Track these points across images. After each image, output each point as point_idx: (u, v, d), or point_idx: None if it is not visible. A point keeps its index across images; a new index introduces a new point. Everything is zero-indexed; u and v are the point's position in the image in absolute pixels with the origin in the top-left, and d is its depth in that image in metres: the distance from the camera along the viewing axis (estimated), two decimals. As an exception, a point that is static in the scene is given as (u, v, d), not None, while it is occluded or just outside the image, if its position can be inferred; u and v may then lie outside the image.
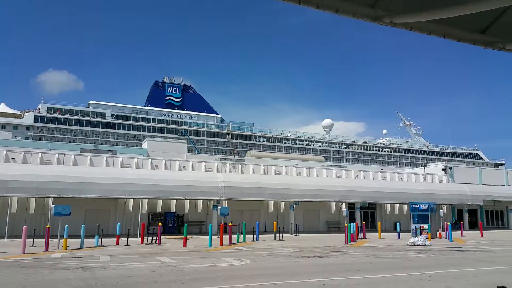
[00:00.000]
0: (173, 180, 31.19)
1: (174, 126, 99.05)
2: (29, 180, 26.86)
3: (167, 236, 28.43)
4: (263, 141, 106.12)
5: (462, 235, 33.57)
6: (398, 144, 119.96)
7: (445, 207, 42.63)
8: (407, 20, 3.28)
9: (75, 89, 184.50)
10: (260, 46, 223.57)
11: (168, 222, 32.04)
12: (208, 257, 16.93)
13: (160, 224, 25.76)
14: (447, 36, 3.54)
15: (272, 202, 37.13)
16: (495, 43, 3.70)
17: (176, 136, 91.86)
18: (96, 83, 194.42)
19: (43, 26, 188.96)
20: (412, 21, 3.32)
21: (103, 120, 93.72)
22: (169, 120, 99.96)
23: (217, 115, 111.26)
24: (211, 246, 21.58)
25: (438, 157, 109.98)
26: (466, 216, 44.41)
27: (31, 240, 20.88)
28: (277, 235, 28.09)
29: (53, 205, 21.34)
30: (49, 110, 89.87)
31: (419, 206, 31.01)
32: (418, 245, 24.46)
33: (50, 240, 19.65)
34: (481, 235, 33.43)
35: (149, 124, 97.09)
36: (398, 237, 30.05)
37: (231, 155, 52.68)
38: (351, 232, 26.41)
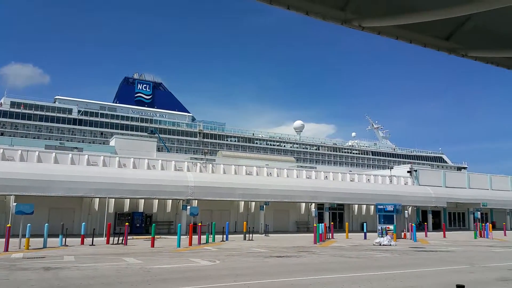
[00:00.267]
0: (141, 179, 30.62)
1: (144, 124, 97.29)
2: (-12, 177, 25.72)
3: (134, 236, 27.89)
4: (235, 141, 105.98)
5: (426, 235, 34.66)
6: (366, 146, 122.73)
7: (410, 208, 43.95)
8: (375, 24, 3.35)
9: (41, 84, 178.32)
10: (231, 45, 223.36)
11: (135, 222, 31.44)
12: (176, 258, 16.73)
13: (127, 224, 25.21)
14: (414, 42, 3.64)
15: (243, 202, 37.13)
16: (458, 50, 3.85)
17: (145, 134, 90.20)
18: (63, 78, 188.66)
19: (7, 18, 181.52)
20: (380, 25, 3.40)
21: (69, 116, 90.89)
22: (138, 118, 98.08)
23: (188, 114, 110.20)
24: (179, 247, 21.33)
25: (404, 159, 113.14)
26: (430, 217, 45.90)
27: (-10, 240, 20.01)
28: (247, 235, 28.10)
29: (15, 203, 20.56)
30: (13, 104, 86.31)
31: (385, 207, 31.79)
32: (383, 245, 25.06)
33: (11, 239, 18.87)
34: (444, 236, 34.63)
35: (118, 121, 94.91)
36: (365, 237, 30.70)
37: (202, 154, 52.38)
38: (320, 232, 26.79)
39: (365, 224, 33.21)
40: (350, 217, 43.17)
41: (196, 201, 32.60)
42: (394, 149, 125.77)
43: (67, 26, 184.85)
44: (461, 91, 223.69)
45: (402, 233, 32.47)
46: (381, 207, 32.08)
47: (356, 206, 43.66)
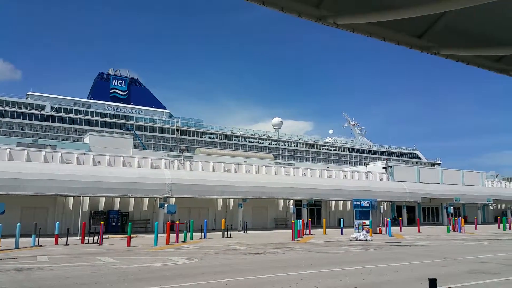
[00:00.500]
0: (117, 176, 30.09)
1: (119, 121, 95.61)
2: (-44, 176, 24.78)
3: (110, 236, 27.44)
4: (213, 138, 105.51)
5: (401, 230, 35.41)
6: (343, 143, 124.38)
7: (385, 204, 44.84)
8: (349, 22, 3.38)
9: (12, 79, 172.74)
10: (209, 42, 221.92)
11: (111, 221, 30.91)
12: (153, 257, 16.54)
13: (102, 222, 24.79)
14: (387, 39, 3.69)
15: (221, 199, 37.03)
16: (431, 47, 3.91)
17: (121, 131, 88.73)
18: (36, 74, 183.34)
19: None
20: (354, 23, 3.42)
21: (42, 112, 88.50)
22: (113, 114, 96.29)
23: (166, 110, 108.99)
24: (156, 245, 21.10)
25: (380, 156, 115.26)
26: (404, 212, 46.92)
27: (-42, 241, 19.29)
28: (226, 232, 28.04)
29: (-16, 203, 19.84)
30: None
31: (361, 203, 32.32)
32: (360, 240, 25.47)
33: (-20, 240, 18.27)
34: (418, 231, 35.45)
35: (92, 118, 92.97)
36: (342, 233, 31.13)
37: (179, 151, 51.91)
38: (298, 228, 27.01)
39: (342, 219, 33.67)
40: (328, 213, 43.69)
41: (174, 199, 32.33)
42: (370, 146, 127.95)
43: (40, 21, 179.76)
44: (435, 89, 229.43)
45: (378, 228, 33.09)
46: (358, 202, 32.60)
47: (334, 202, 44.21)
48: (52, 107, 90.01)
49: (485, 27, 3.98)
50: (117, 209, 32.36)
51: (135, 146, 66.03)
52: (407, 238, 28.09)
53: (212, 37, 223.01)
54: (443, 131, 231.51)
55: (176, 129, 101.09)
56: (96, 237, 22.99)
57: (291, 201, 39.62)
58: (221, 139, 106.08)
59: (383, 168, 49.55)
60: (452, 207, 45.68)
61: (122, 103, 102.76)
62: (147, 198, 33.63)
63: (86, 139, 45.88)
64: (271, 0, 2.98)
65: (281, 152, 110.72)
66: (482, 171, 58.95)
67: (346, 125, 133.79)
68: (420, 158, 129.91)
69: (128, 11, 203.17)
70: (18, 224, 21.10)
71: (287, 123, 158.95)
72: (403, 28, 3.72)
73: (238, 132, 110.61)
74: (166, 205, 28.14)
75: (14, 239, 20.06)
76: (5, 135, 78.09)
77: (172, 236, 23.87)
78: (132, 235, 22.88)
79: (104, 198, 31.93)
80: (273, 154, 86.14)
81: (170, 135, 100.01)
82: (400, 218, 42.06)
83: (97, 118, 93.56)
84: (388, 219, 32.49)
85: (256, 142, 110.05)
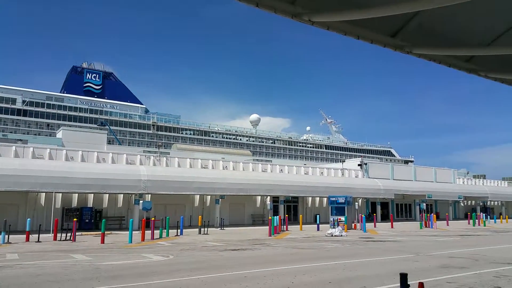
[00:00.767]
0: (91, 172, 29.46)
1: (93, 115, 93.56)
2: None
3: (83, 233, 26.89)
4: (190, 134, 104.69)
5: (375, 226, 36.10)
6: (320, 140, 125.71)
7: (360, 200, 45.56)
8: (325, 19, 3.40)
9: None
10: (186, 37, 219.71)
11: (84, 218, 30.31)
12: (127, 254, 16.30)
13: (75, 219, 24.28)
14: (361, 38, 3.73)
15: (198, 196, 36.83)
16: (403, 46, 3.99)
17: (95, 126, 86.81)
18: (6, 66, 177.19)
19: None
20: (329, 21, 3.45)
21: (13, 106, 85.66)
22: (87, 109, 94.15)
23: (141, 106, 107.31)
24: (131, 242, 20.81)
25: (356, 153, 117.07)
26: (378, 208, 47.85)
27: None
28: (202, 229, 27.92)
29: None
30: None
31: (337, 199, 32.75)
32: (335, 236, 25.84)
33: None
34: (392, 226, 36.23)
35: (65, 112, 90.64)
36: (318, 229, 31.49)
37: (155, 147, 51.31)
38: (275, 224, 27.17)
39: (318, 216, 34.07)
40: (304, 209, 44.10)
41: (150, 195, 31.93)
42: (346, 143, 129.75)
43: (10, 12, 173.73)
44: (409, 88, 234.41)
45: (353, 224, 33.64)
46: (334, 199, 33.03)
47: (310, 198, 44.64)
48: (24, 101, 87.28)
49: (456, 28, 4.08)
50: (91, 206, 31.73)
51: (109, 142, 64.85)
52: (381, 233, 28.65)
53: (190, 33, 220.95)
54: (417, 129, 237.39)
55: (152, 125, 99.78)
56: (69, 234, 22.49)
57: (268, 197, 39.78)
58: (198, 135, 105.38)
59: (359, 165, 50.34)
60: (424, 204, 46.93)
61: (96, 97, 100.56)
62: (122, 195, 33.10)
63: (59, 134, 44.75)
64: (246, -5, 2.97)
65: (258, 148, 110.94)
66: (453, 169, 60.60)
67: (323, 122, 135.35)
68: (394, 156, 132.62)
69: (103, 5, 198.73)
70: (-13, 221, 20.43)
71: (265, 120, 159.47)
72: (377, 27, 3.78)
73: (216, 129, 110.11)
74: (141, 201, 27.82)
75: (-18, 237, 19.42)
76: (-27, 129, 75.33)
77: (148, 233, 23.60)
78: (106, 232, 22.50)
79: (77, 194, 31.24)
80: (250, 151, 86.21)
81: (146, 131, 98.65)
82: (375, 214, 42.90)
83: (70, 113, 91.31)
84: (362, 215, 33.08)
85: (233, 139, 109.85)
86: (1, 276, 10.83)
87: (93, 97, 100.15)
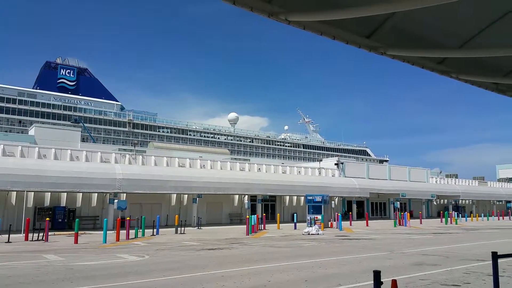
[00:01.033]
0: (64, 171, 28.73)
1: (67, 112, 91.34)
2: None
3: (56, 232, 26.24)
4: (167, 132, 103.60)
5: (350, 224, 36.62)
6: (298, 139, 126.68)
7: (336, 199, 46.19)
8: (301, 19, 3.41)
9: None
10: (163, 33, 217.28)
11: (57, 217, 29.57)
12: (101, 254, 16.00)
13: (47, 219, 23.63)
14: (337, 38, 3.77)
15: (175, 195, 36.48)
16: (378, 48, 4.06)
17: (69, 123, 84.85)
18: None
19: None
20: (305, 20, 3.46)
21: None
22: (61, 105, 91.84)
23: (117, 103, 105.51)
24: (106, 242, 20.42)
25: (332, 152, 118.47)
26: (354, 207, 48.58)
27: None
28: (179, 228, 27.67)
29: None
30: None
31: (314, 198, 33.04)
32: (312, 234, 26.08)
33: None
34: (367, 225, 36.84)
35: (38, 109, 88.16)
36: (295, 228, 31.72)
37: (131, 145, 50.51)
38: (252, 223, 27.20)
39: (295, 214, 34.32)
40: (282, 208, 44.32)
41: (125, 194, 31.40)
42: (323, 143, 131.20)
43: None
44: (383, 88, 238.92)
45: (329, 223, 34.04)
46: (311, 198, 33.30)
47: (288, 197, 44.90)
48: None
49: (429, 31, 4.18)
50: (64, 205, 30.99)
51: (83, 139, 63.50)
52: (356, 232, 29.09)
53: (168, 29, 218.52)
54: (391, 129, 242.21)
55: (128, 122, 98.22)
56: (41, 234, 21.90)
57: (246, 196, 39.77)
58: (175, 133, 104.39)
59: (335, 164, 50.95)
60: (398, 202, 47.93)
61: (70, 93, 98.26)
62: (96, 194, 32.46)
63: (31, 131, 43.50)
64: (222, -8, 2.95)
65: (236, 147, 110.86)
66: (427, 168, 62.08)
67: (301, 121, 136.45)
68: (369, 155, 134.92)
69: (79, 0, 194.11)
70: (-47, 221, 19.67)
71: (243, 118, 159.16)
72: (352, 28, 3.82)
73: (194, 127, 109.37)
74: (116, 201, 27.34)
75: None
76: None
77: (123, 233, 23.21)
78: (79, 232, 22.03)
79: (49, 193, 30.45)
80: (228, 150, 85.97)
81: (122, 128, 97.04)
82: (350, 213, 43.53)
83: (43, 109, 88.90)
84: (339, 214, 33.50)
85: (211, 137, 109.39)
86: (-32, 278, 10.45)
87: (67, 93, 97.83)
